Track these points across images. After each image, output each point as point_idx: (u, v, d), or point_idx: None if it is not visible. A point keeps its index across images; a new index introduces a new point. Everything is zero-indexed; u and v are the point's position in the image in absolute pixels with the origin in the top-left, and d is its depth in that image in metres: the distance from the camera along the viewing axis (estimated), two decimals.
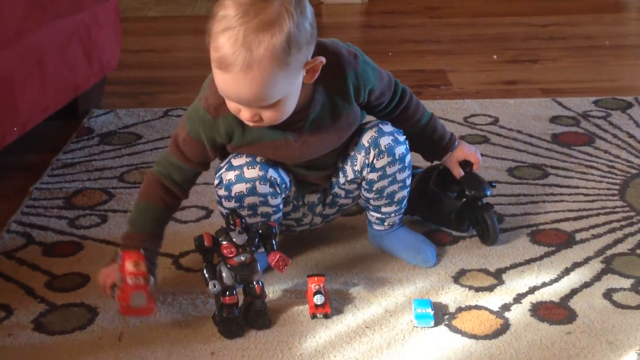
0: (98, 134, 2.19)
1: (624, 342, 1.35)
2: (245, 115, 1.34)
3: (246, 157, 1.46)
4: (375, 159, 1.50)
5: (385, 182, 1.53)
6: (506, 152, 2.02)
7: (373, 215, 1.59)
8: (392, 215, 1.59)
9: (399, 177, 1.53)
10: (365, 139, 1.50)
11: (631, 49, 2.86)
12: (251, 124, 1.36)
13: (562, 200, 1.80)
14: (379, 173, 1.52)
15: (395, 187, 1.54)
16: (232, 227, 1.38)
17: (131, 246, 1.42)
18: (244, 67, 1.25)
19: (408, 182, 1.56)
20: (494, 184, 1.63)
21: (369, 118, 1.54)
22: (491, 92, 2.43)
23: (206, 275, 1.37)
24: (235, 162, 1.46)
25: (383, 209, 1.57)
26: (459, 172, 1.62)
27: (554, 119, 2.21)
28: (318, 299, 1.42)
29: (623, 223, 1.70)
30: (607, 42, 2.87)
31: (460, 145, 1.62)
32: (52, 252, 1.65)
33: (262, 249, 1.41)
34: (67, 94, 2.11)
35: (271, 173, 1.46)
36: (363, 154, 1.50)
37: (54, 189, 1.90)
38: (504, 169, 1.93)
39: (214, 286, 1.36)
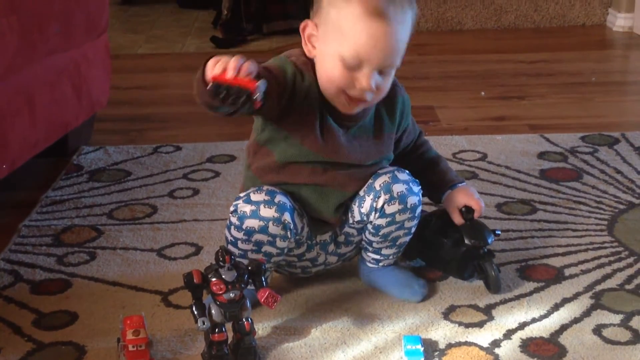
0: (87, 171, 2.19)
1: None
2: (365, 82, 1.39)
3: (265, 194, 1.45)
4: (385, 204, 1.49)
5: (392, 227, 1.52)
6: (495, 188, 2.03)
7: (370, 255, 1.59)
8: (390, 257, 1.59)
9: (407, 224, 1.53)
10: (378, 183, 1.50)
11: (617, 85, 2.89)
12: (361, 96, 1.41)
13: (550, 236, 1.80)
14: (388, 219, 1.51)
15: (400, 232, 1.54)
16: (221, 263, 1.38)
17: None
18: (400, 14, 1.38)
19: (413, 230, 1.56)
20: (497, 232, 1.60)
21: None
22: (479, 128, 2.44)
23: (195, 312, 1.37)
24: (254, 197, 1.45)
25: (383, 251, 1.57)
26: (458, 219, 1.59)
27: (541, 155, 2.22)
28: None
29: (612, 258, 1.70)
30: (593, 78, 2.90)
31: (463, 188, 1.60)
32: (40, 290, 1.64)
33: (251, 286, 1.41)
34: (56, 131, 2.11)
35: (286, 217, 1.45)
36: (372, 197, 1.50)
37: (42, 226, 1.90)
38: (493, 204, 1.94)
39: (203, 323, 1.36)
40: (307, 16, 1.46)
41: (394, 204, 1.49)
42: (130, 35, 3.67)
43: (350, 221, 1.55)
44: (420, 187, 1.53)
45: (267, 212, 1.44)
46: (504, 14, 3.59)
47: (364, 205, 1.51)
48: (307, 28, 1.44)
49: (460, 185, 1.61)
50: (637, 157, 2.19)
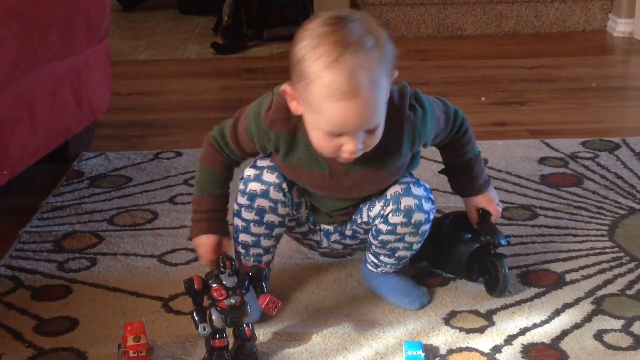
0: (88, 177, 2.19)
1: None
2: (351, 146, 1.33)
3: (270, 160, 1.49)
4: (390, 213, 1.49)
5: (391, 237, 1.52)
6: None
7: (370, 257, 1.59)
8: (388, 266, 1.58)
9: (408, 239, 1.52)
10: (390, 192, 1.49)
11: (617, 90, 2.89)
12: (351, 157, 1.36)
13: (551, 241, 1.80)
14: (389, 227, 1.51)
15: (400, 245, 1.53)
16: (222, 269, 1.38)
17: (203, 212, 1.51)
18: (366, 86, 1.27)
19: (416, 247, 1.55)
20: (508, 239, 1.61)
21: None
22: (480, 134, 2.43)
23: (196, 318, 1.37)
24: (260, 163, 1.50)
25: (381, 258, 1.57)
26: (475, 218, 1.61)
27: (542, 160, 2.22)
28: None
29: (612, 264, 1.70)
30: (593, 83, 2.90)
31: (486, 192, 1.60)
32: (40, 296, 1.64)
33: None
34: (57, 138, 2.12)
35: (285, 185, 1.48)
36: (382, 203, 1.50)
37: (43, 232, 1.90)
38: None
39: (204, 329, 1.36)
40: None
41: (398, 215, 1.49)
42: (131, 41, 3.67)
43: (359, 221, 1.55)
44: (433, 206, 1.52)
45: (269, 177, 1.47)
46: (504, 20, 3.59)
47: (373, 210, 1.51)
48: (287, 92, 1.36)
49: (485, 192, 1.60)
50: (638, 163, 2.19)
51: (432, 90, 2.87)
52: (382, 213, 1.50)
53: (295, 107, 1.37)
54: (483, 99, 2.76)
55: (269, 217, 1.49)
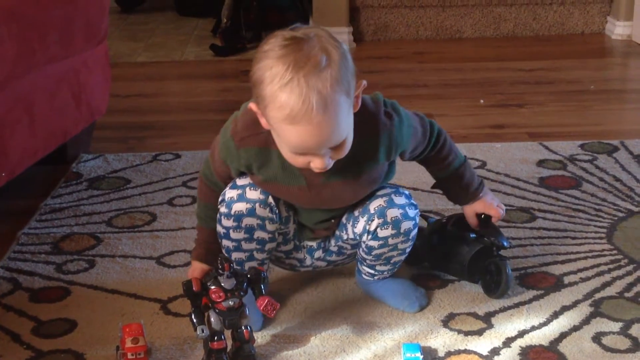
0: (86, 179, 2.19)
1: None
2: (319, 163, 1.33)
3: (249, 179, 1.48)
4: (378, 228, 1.48)
5: (385, 249, 1.52)
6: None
7: (365, 269, 1.59)
8: (385, 272, 1.58)
9: (401, 246, 1.52)
10: (373, 206, 1.48)
11: (616, 93, 2.89)
12: (323, 170, 1.35)
13: (550, 244, 1.80)
14: (381, 242, 1.50)
15: (394, 253, 1.53)
16: (220, 271, 1.38)
17: (202, 241, 1.57)
18: (320, 109, 1.25)
19: (408, 250, 1.55)
20: (510, 242, 1.61)
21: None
22: (479, 136, 2.44)
23: (194, 320, 1.37)
24: (239, 181, 1.48)
25: (377, 267, 1.57)
26: (475, 224, 1.61)
27: (541, 163, 2.22)
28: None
29: (611, 266, 1.70)
30: (592, 86, 2.90)
31: (483, 197, 1.60)
32: (39, 298, 1.64)
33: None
34: (56, 139, 2.12)
35: (271, 199, 1.47)
36: (366, 218, 1.48)
37: (41, 234, 1.90)
38: None
39: (202, 331, 1.36)
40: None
41: (387, 228, 1.48)
42: (130, 43, 3.67)
43: (345, 237, 1.55)
44: (417, 210, 1.51)
45: (253, 194, 1.46)
46: (503, 22, 3.59)
47: (357, 226, 1.50)
48: (254, 109, 1.35)
49: (480, 196, 1.60)
50: (636, 165, 2.19)
51: (431, 92, 2.87)
52: (367, 228, 1.49)
53: (264, 122, 1.36)
54: (482, 101, 2.76)
55: (259, 234, 1.48)
